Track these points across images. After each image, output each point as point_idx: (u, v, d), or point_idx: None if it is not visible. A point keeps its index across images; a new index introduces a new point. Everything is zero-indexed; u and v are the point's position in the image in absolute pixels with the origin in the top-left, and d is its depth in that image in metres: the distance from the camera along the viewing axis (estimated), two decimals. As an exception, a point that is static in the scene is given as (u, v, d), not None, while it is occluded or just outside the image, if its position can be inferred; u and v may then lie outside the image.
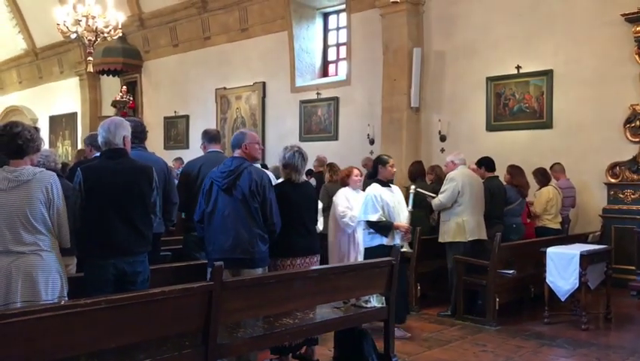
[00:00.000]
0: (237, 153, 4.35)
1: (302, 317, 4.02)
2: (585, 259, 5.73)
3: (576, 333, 5.59)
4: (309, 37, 11.88)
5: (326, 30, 12.06)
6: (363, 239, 5.58)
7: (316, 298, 4.07)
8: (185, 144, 13.90)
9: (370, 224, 5.36)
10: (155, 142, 14.19)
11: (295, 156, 4.46)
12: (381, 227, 5.32)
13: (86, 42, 9.42)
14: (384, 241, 5.31)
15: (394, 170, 5.66)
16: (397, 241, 5.29)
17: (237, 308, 3.45)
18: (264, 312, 3.78)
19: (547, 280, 5.86)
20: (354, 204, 5.90)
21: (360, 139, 10.49)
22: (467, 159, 6.77)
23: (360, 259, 5.84)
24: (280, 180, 4.65)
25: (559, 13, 8.34)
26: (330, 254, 6.05)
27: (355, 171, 6.22)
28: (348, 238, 5.95)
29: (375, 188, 5.42)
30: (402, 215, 5.45)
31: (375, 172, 5.60)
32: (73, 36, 9.53)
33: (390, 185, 5.61)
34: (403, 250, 5.16)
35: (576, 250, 5.85)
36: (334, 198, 6.15)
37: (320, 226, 5.77)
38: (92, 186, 3.52)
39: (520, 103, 8.70)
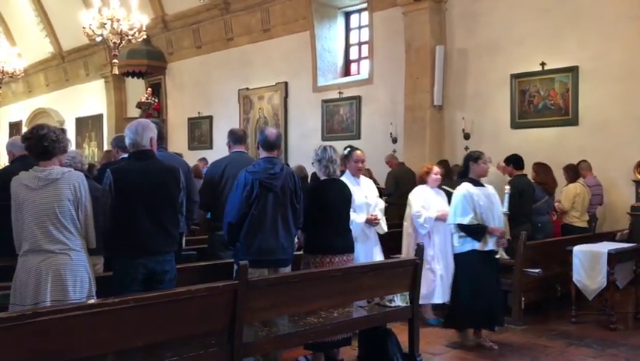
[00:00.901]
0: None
1: (326, 315, 4.03)
2: (613, 258, 5.63)
3: (604, 333, 5.50)
4: (331, 37, 11.87)
5: (348, 29, 12.04)
6: (452, 244, 5.22)
7: (340, 297, 4.08)
8: (208, 145, 14.00)
9: (461, 227, 4.97)
10: (179, 143, 14.36)
11: (328, 150, 4.57)
12: (474, 231, 4.92)
13: (111, 45, 9.57)
14: (477, 245, 4.94)
15: (487, 166, 5.26)
16: (491, 246, 4.97)
17: (262, 307, 3.47)
18: (289, 311, 3.80)
19: (574, 279, 5.78)
20: (431, 204, 5.68)
21: (382, 138, 10.46)
22: (492, 157, 6.72)
23: (441, 265, 5.64)
24: (322, 179, 4.63)
25: (585, 7, 8.21)
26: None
27: (435, 169, 5.91)
28: (423, 240, 5.57)
29: (466, 187, 4.99)
30: (496, 217, 5.04)
31: (466, 170, 5.16)
32: (99, 39, 9.70)
33: (484, 184, 5.17)
34: (497, 256, 4.98)
35: (604, 248, 5.75)
36: (410, 196, 5.93)
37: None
38: (122, 187, 3.57)
39: (545, 100, 8.59)
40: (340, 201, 4.56)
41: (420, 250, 4.44)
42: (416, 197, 5.79)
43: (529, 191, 6.68)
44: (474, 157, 5.12)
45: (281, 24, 12.24)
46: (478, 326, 5.14)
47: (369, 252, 5.18)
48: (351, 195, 4.79)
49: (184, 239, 4.92)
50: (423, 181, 5.90)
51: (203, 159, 10.24)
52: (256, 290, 3.39)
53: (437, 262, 5.70)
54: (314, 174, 5.08)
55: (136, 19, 9.47)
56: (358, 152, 5.28)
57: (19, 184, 3.32)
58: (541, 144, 8.33)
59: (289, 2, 11.91)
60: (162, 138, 4.88)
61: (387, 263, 4.55)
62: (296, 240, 4.60)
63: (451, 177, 7.49)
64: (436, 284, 5.68)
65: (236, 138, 5.24)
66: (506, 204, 5.26)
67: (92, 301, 3.15)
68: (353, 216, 4.91)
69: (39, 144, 3.36)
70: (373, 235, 5.27)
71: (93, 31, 9.32)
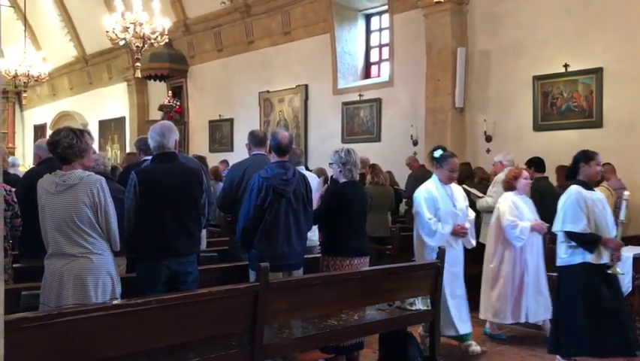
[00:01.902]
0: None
1: (347, 318, 4.02)
2: (639, 262, 5.53)
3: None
4: (351, 39, 11.87)
5: (368, 31, 12.02)
6: (558, 254, 4.57)
7: (361, 300, 4.08)
8: (229, 147, 14.07)
9: (571, 236, 4.36)
10: (200, 145, 14.46)
11: (352, 154, 4.55)
12: (587, 240, 4.33)
13: (134, 48, 9.67)
14: (589, 257, 4.33)
15: (601, 169, 4.73)
16: (605, 259, 4.36)
17: (283, 309, 3.48)
18: (309, 313, 3.80)
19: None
20: (524, 213, 5.31)
21: (403, 140, 10.42)
22: (514, 159, 6.64)
23: (530, 281, 5.28)
24: (343, 182, 4.60)
25: (609, 8, 8.09)
26: (486, 273, 5.48)
27: (525, 173, 5.49)
28: (514, 254, 5.31)
29: (578, 191, 4.41)
30: (610, 227, 4.45)
31: (575, 171, 4.57)
32: (122, 43, 9.80)
33: (594, 189, 4.64)
34: (609, 271, 4.35)
35: (629, 252, 5.64)
36: (498, 205, 5.44)
37: None
38: (147, 189, 3.60)
39: (568, 102, 8.48)
40: (359, 204, 4.56)
41: (442, 253, 4.42)
42: (507, 205, 5.30)
43: (550, 194, 6.60)
44: (585, 157, 4.52)
45: (301, 27, 12.27)
46: (601, 353, 4.37)
47: (454, 268, 4.92)
48: (367, 199, 4.78)
49: (205, 241, 4.96)
50: (511, 187, 5.41)
51: (224, 162, 10.30)
52: (277, 292, 3.40)
53: (525, 278, 5.31)
54: (331, 176, 5.05)
55: (158, 23, 9.57)
56: (455, 160, 5.06)
57: (42, 188, 3.36)
58: (565, 147, 8.18)
59: (310, 5, 11.93)
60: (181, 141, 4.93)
61: (408, 266, 4.53)
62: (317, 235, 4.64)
63: (473, 179, 7.44)
64: (524, 302, 5.32)
65: (257, 140, 5.21)
66: (623, 212, 4.50)
67: (115, 301, 3.19)
68: (436, 226, 4.80)
69: (55, 150, 3.40)
70: (460, 247, 5.05)
71: (116, 35, 9.43)
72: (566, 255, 4.45)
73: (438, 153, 5.05)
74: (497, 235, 5.40)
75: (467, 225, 5.01)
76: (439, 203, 4.91)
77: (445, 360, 4.54)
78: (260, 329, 3.30)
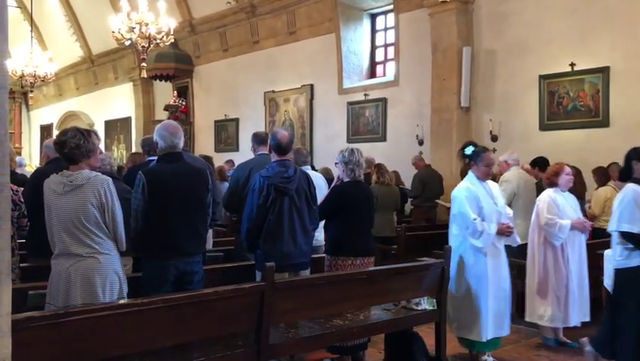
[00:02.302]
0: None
1: (352, 318, 4.02)
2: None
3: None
4: (357, 39, 11.86)
5: (373, 31, 12.01)
6: (613, 256, 4.34)
7: (366, 300, 4.08)
8: (235, 147, 14.09)
9: (628, 237, 4.08)
10: (206, 145, 14.49)
11: (355, 153, 4.52)
12: None
13: (140, 48, 9.69)
14: None
15: None
16: None
17: (288, 309, 3.49)
18: (314, 313, 3.80)
19: (604, 284, 5.63)
20: (565, 211, 5.12)
21: (408, 140, 10.40)
22: (520, 159, 6.61)
23: (574, 282, 5.14)
24: (346, 181, 4.58)
25: (616, 7, 8.05)
26: (530, 273, 5.34)
27: (567, 169, 5.25)
28: (556, 253, 5.14)
29: (636, 190, 4.14)
30: None
31: (629, 170, 4.33)
32: (128, 43, 9.82)
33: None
34: None
35: (636, 252, 5.60)
36: (538, 202, 5.29)
37: None
38: (155, 189, 3.61)
39: (574, 101, 8.44)
40: (364, 203, 4.54)
41: (447, 251, 4.41)
42: (546, 203, 5.13)
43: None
44: (637, 155, 4.23)
45: (306, 27, 12.27)
46: None
47: (500, 268, 4.76)
48: (372, 198, 4.74)
49: (211, 241, 4.96)
50: (552, 183, 5.19)
51: (230, 161, 10.32)
52: (282, 292, 3.41)
53: (571, 279, 5.16)
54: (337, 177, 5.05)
55: (164, 23, 9.59)
56: (490, 153, 4.87)
57: (49, 188, 3.37)
58: (571, 146, 8.19)
59: (315, 5, 11.93)
60: (186, 140, 4.94)
61: (414, 266, 4.53)
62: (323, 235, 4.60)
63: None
64: (571, 305, 5.14)
65: (260, 140, 5.24)
66: None
67: (122, 301, 3.20)
68: (482, 226, 4.55)
69: (61, 150, 3.41)
70: (502, 247, 4.82)
71: (122, 35, 9.45)
72: (621, 257, 4.18)
73: (470, 150, 4.84)
74: (538, 235, 5.20)
75: (510, 223, 4.80)
76: (481, 201, 4.67)
77: (451, 360, 4.54)
78: (265, 328, 3.30)
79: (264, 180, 4.10)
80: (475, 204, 4.66)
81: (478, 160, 4.77)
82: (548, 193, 5.19)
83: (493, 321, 4.67)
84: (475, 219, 4.58)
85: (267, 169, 4.19)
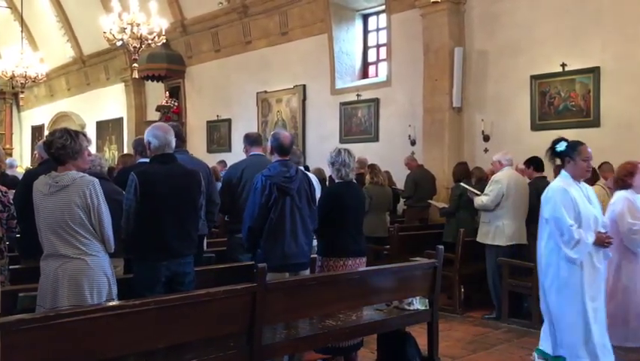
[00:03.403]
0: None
1: (345, 318, 4.02)
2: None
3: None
4: (349, 39, 11.87)
5: (366, 32, 12.02)
6: None
7: (358, 300, 4.08)
8: (227, 147, 14.07)
9: None
10: (198, 146, 14.44)
11: (342, 152, 4.51)
12: None
13: (131, 49, 9.65)
14: None
15: None
16: None
17: (281, 310, 3.49)
18: (307, 313, 3.81)
19: (596, 283, 5.66)
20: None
21: (401, 140, 10.42)
22: (512, 159, 6.64)
23: None
24: (337, 182, 4.58)
25: (607, 8, 8.10)
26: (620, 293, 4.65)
27: None
28: (635, 263, 4.63)
29: None
30: None
31: None
32: (119, 43, 9.78)
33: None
34: None
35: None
36: (613, 206, 4.69)
37: None
38: (147, 190, 3.60)
39: (565, 101, 8.48)
40: (354, 204, 4.54)
41: (439, 252, 4.42)
42: (623, 205, 4.59)
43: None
44: None
45: (299, 27, 12.27)
46: None
47: (596, 284, 4.11)
48: (363, 199, 4.73)
49: (205, 241, 4.95)
50: (625, 184, 4.69)
51: (222, 162, 10.30)
52: (274, 293, 3.41)
53: None
54: (330, 176, 5.04)
55: (155, 24, 9.55)
56: (587, 146, 4.20)
57: (36, 189, 3.35)
58: (562, 146, 8.22)
59: (307, 5, 11.93)
60: (183, 140, 4.93)
61: (406, 266, 4.53)
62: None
63: (470, 179, 7.44)
64: None
65: (252, 140, 5.25)
66: None
67: (113, 303, 3.18)
68: (579, 234, 3.99)
69: (49, 151, 3.41)
70: (602, 264, 4.19)
71: (113, 35, 9.41)
72: None
73: (562, 146, 4.27)
74: (618, 245, 4.55)
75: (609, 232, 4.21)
76: (578, 205, 4.07)
77: None
78: (258, 329, 3.30)
79: (266, 179, 4.11)
80: (572, 208, 4.08)
81: (574, 155, 4.18)
82: (625, 196, 4.62)
83: (602, 345, 4.08)
84: (571, 226, 4.03)
85: (268, 169, 4.21)
